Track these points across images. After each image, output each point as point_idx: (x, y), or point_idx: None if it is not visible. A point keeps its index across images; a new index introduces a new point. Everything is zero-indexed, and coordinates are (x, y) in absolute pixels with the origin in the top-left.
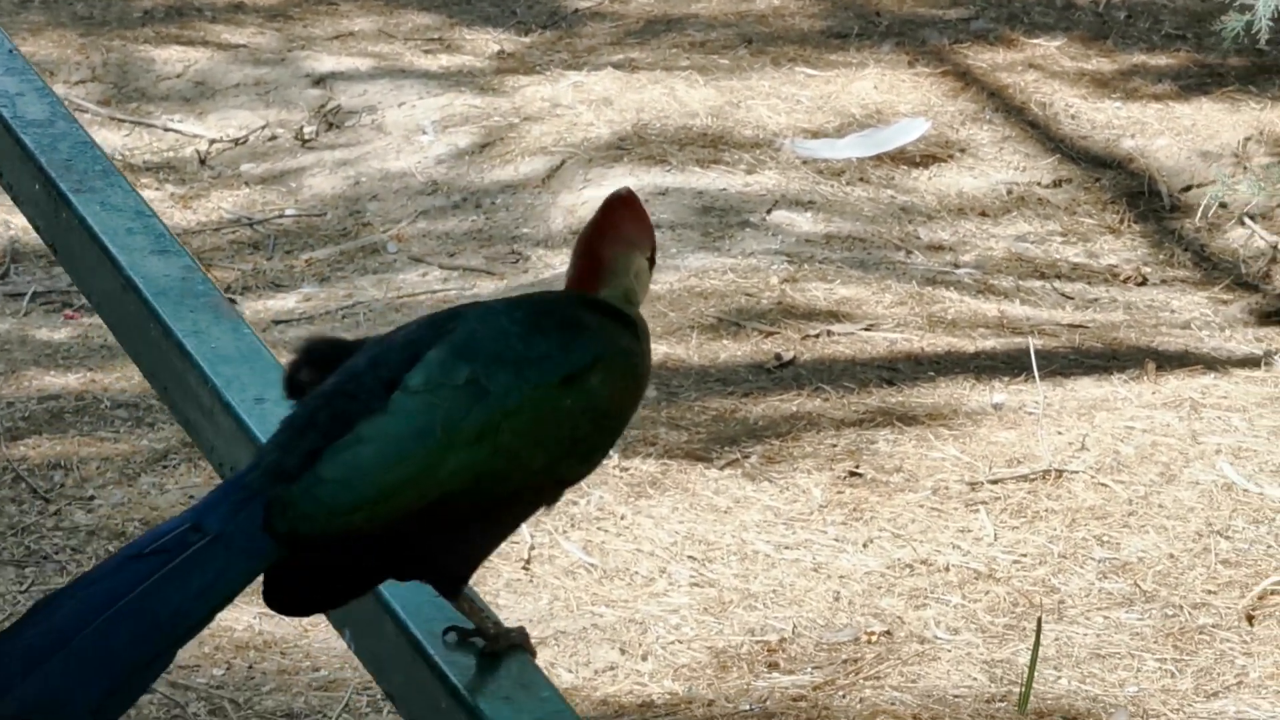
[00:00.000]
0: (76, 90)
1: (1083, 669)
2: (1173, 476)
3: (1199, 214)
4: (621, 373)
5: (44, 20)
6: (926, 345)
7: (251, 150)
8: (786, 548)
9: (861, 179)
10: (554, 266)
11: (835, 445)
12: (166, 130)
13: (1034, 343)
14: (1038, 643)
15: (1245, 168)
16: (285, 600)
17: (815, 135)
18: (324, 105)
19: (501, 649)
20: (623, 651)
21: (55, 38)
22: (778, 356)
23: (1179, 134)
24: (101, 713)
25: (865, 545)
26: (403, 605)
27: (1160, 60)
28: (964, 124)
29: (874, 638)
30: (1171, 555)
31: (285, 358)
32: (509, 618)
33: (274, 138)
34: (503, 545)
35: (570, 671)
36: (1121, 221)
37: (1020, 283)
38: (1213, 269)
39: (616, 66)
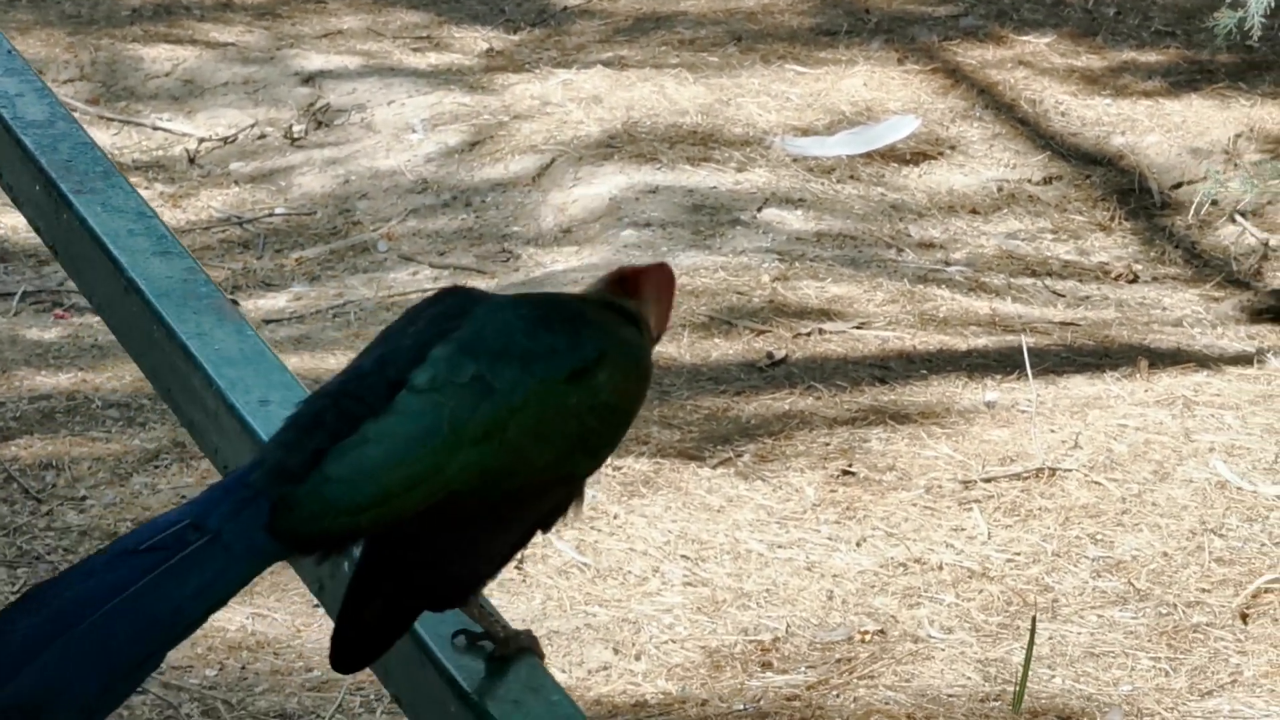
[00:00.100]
0: (65, 89)
1: (1077, 668)
2: (1166, 474)
3: (1190, 211)
4: (627, 367)
5: (32, 19)
6: (918, 343)
7: (241, 149)
8: (780, 547)
9: (852, 177)
10: (545, 265)
11: (828, 444)
12: (155, 129)
13: (1026, 340)
14: (1032, 641)
15: (1236, 164)
16: (346, 655)
17: (805, 133)
18: (313, 104)
19: (510, 652)
20: (616, 651)
21: (43, 36)
22: (769, 355)
23: (1169, 131)
24: (94, 709)
25: (858, 544)
26: None
27: (1150, 57)
28: (954, 121)
29: (868, 637)
30: (1165, 553)
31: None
32: None
33: (263, 136)
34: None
35: (563, 671)
36: (1112, 219)
37: (1011, 280)
38: (1204, 266)
39: (606, 64)
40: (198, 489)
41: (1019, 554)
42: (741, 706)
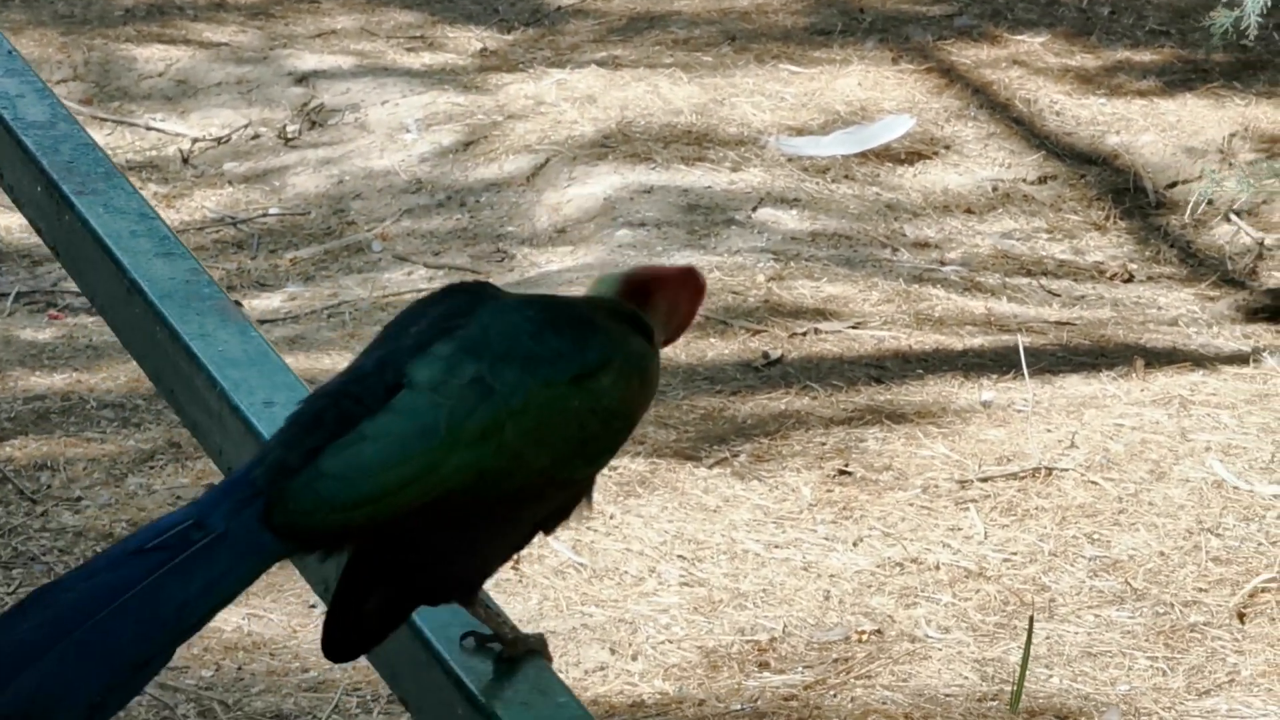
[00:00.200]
0: (58, 89)
1: (1074, 667)
2: (1163, 474)
3: (1185, 210)
4: (631, 374)
5: (25, 19)
6: (914, 343)
7: (234, 149)
8: (776, 547)
9: (847, 176)
10: (539, 265)
11: (824, 444)
12: (149, 129)
13: (1022, 340)
14: (1029, 641)
15: (1230, 164)
16: (338, 642)
17: (800, 132)
18: (307, 103)
19: (519, 654)
20: (613, 651)
21: (36, 36)
22: (765, 355)
23: (1164, 130)
24: (97, 711)
25: (855, 544)
26: (417, 610)
27: (1144, 56)
28: (948, 121)
29: (865, 637)
30: (1162, 553)
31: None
32: None
33: (257, 136)
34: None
35: (560, 672)
36: (1107, 218)
37: (1007, 280)
38: (1199, 265)
39: (600, 64)
40: (193, 490)
41: (1016, 554)
42: (739, 706)
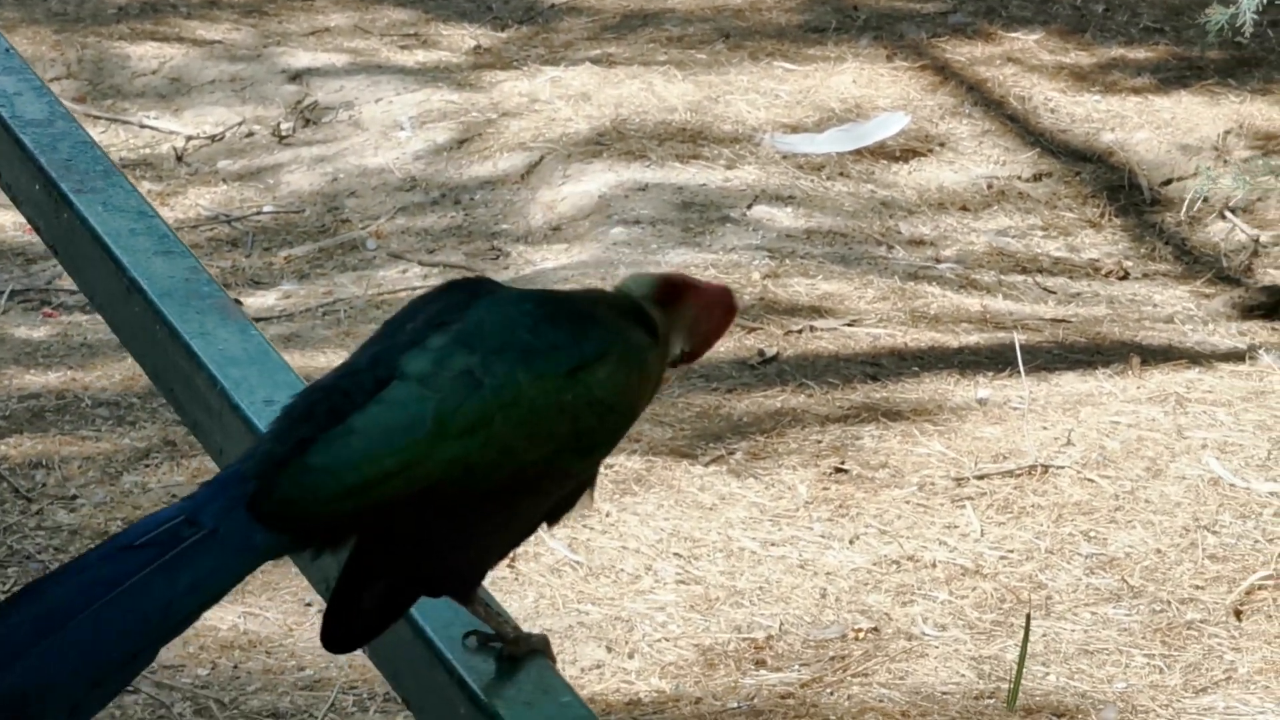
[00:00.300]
0: (52, 87)
1: (1071, 665)
2: (1159, 471)
3: (1181, 208)
4: (628, 368)
5: (18, 17)
6: (910, 340)
7: (228, 147)
8: (772, 544)
9: (842, 174)
10: (534, 263)
11: (820, 441)
12: (142, 127)
13: (1018, 337)
14: (1026, 639)
15: (1225, 161)
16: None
17: (794, 130)
18: (301, 101)
19: (521, 653)
20: (609, 649)
21: (30, 34)
22: (761, 353)
23: (1159, 127)
24: (82, 707)
25: (851, 541)
26: (419, 609)
27: (1139, 53)
28: (943, 118)
29: (861, 634)
30: (1159, 550)
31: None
32: None
33: (251, 134)
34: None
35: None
36: (1102, 215)
37: (1002, 277)
38: (1194, 263)
39: (594, 61)
40: (188, 487)
41: (1012, 551)
42: (735, 704)
